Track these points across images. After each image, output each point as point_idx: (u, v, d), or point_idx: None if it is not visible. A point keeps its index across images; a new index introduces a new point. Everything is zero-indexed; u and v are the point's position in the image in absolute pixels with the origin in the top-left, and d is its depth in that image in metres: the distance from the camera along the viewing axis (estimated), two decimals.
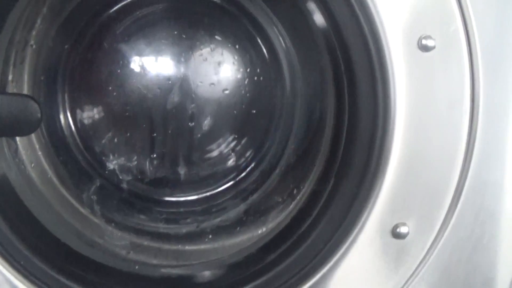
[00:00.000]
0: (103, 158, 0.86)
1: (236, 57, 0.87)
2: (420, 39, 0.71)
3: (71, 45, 0.85)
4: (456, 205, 0.77)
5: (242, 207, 0.83)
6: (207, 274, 0.79)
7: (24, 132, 0.76)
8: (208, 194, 0.86)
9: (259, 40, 0.86)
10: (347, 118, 0.74)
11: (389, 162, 0.73)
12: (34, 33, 0.82)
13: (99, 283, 0.79)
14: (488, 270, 0.82)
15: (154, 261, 0.82)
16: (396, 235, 0.75)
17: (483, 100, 0.74)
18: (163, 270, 0.81)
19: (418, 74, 0.70)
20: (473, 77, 0.75)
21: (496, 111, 0.74)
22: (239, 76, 0.86)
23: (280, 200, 0.81)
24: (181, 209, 0.86)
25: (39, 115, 0.70)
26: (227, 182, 0.86)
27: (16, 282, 0.77)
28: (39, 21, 0.82)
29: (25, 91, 0.83)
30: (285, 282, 0.75)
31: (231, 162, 0.86)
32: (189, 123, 0.84)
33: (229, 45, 0.85)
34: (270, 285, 0.76)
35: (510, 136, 0.76)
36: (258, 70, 0.86)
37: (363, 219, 0.73)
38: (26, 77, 0.83)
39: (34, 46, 0.83)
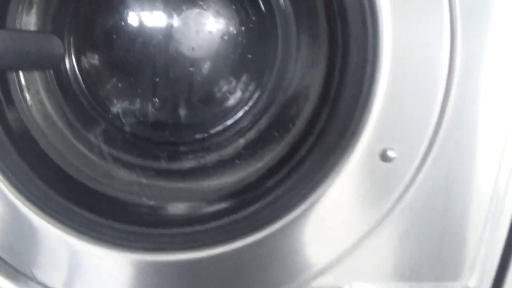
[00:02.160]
0: (107, 102, 0.94)
1: (234, 7, 0.96)
2: None
3: None
4: (436, 136, 0.87)
5: (240, 142, 0.91)
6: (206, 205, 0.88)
7: (50, 66, 0.88)
8: (207, 134, 0.94)
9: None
10: (340, 56, 0.84)
11: (377, 93, 0.83)
12: None
13: (107, 210, 0.87)
14: (468, 200, 0.92)
15: (158, 195, 0.89)
16: (384, 158, 0.85)
17: (461, 39, 0.85)
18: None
19: (403, 13, 0.82)
20: (452, 15, 0.86)
21: (474, 50, 0.85)
22: (236, 24, 0.95)
23: (277, 134, 0.90)
24: (181, 148, 0.94)
25: (62, 50, 0.85)
26: (225, 122, 0.94)
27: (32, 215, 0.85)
28: None
29: None
30: (285, 203, 0.84)
31: (229, 103, 0.94)
32: (189, 68, 0.92)
33: None
34: (271, 207, 0.85)
35: (484, 76, 0.88)
36: (254, 17, 0.96)
37: (354, 144, 0.80)
38: (33, 27, 0.91)
39: None
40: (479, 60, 0.82)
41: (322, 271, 0.87)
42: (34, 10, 0.86)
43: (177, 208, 0.85)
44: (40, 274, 0.85)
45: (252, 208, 0.81)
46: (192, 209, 0.84)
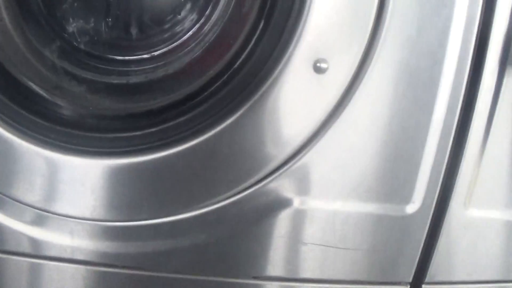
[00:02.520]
0: (64, 21, 0.99)
1: None
2: None
3: None
4: (374, 50, 0.87)
5: (185, 59, 0.95)
6: (154, 110, 0.92)
7: None
8: (156, 53, 0.98)
9: None
10: None
11: (313, 5, 0.85)
12: None
13: (57, 115, 0.92)
14: (407, 118, 0.94)
15: (107, 103, 0.94)
16: (317, 70, 0.87)
17: None
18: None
19: None
20: None
21: None
22: None
23: (219, 50, 0.92)
24: (132, 67, 0.98)
25: None
26: (174, 42, 0.98)
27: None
28: None
29: None
30: (219, 111, 0.86)
31: (178, 23, 0.98)
32: None
33: None
34: (205, 115, 0.88)
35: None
36: None
37: (287, 54, 0.82)
38: None
39: None
40: None
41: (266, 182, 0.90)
42: None
43: (121, 117, 0.89)
44: (14, 191, 0.91)
45: (190, 115, 0.86)
46: (136, 117, 0.89)
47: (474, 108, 0.92)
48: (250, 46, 0.85)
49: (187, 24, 0.93)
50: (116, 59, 0.94)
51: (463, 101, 0.91)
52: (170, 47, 0.93)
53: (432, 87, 0.89)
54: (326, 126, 0.86)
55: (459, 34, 0.88)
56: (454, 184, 0.94)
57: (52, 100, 0.88)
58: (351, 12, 0.83)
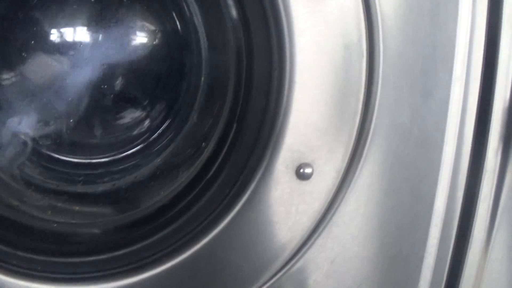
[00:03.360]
0: (22, 124, 0.91)
1: (147, 22, 0.91)
2: None
3: None
4: (362, 147, 0.81)
5: (155, 162, 0.86)
6: (122, 226, 0.84)
7: None
8: (123, 154, 0.90)
9: (172, 12, 0.91)
10: (245, 63, 0.79)
11: (290, 105, 0.77)
12: None
13: (18, 240, 0.84)
14: (404, 213, 0.86)
15: (73, 221, 0.86)
16: (300, 176, 0.75)
17: (383, 43, 0.80)
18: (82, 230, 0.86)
19: (313, 17, 0.73)
20: (370, 20, 0.79)
21: (397, 55, 0.78)
22: (149, 40, 0.91)
23: (190, 151, 0.85)
24: (99, 170, 0.90)
25: None
26: (142, 143, 0.88)
27: None
28: None
29: None
30: (194, 228, 0.79)
31: (144, 122, 0.89)
32: (102, 86, 0.88)
33: (140, 10, 0.90)
34: (180, 233, 0.80)
35: (411, 81, 0.81)
36: (168, 36, 0.91)
37: (266, 161, 0.72)
38: None
39: None
40: (402, 62, 0.77)
41: None
42: None
43: (88, 234, 0.81)
44: None
45: (164, 232, 0.78)
46: (103, 236, 0.81)
47: (478, 193, 0.84)
48: (224, 151, 0.77)
49: (155, 123, 0.85)
50: (82, 163, 0.87)
51: (466, 186, 0.83)
52: (138, 147, 0.86)
53: (431, 177, 0.81)
54: (314, 234, 0.78)
55: (457, 114, 0.80)
56: (460, 277, 0.86)
57: (16, 220, 0.80)
58: (334, 107, 0.74)
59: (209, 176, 0.77)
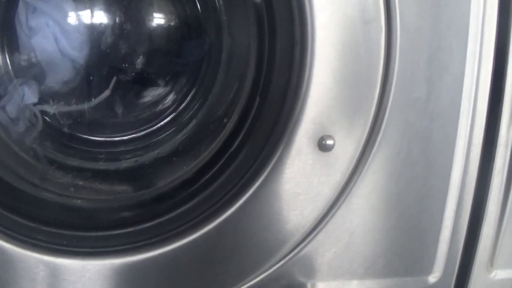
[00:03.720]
0: (43, 103, 0.93)
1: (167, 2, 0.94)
2: None
3: None
4: (381, 121, 0.82)
5: (177, 138, 0.88)
6: (147, 200, 0.86)
7: None
8: (145, 132, 0.91)
9: None
10: (267, 38, 0.78)
11: (311, 79, 0.79)
12: None
13: (42, 215, 0.86)
14: (420, 186, 0.89)
15: (96, 197, 0.88)
16: (322, 147, 0.76)
17: (400, 18, 0.82)
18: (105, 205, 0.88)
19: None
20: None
21: (414, 29, 0.78)
22: (170, 19, 0.92)
23: (212, 127, 0.87)
24: (121, 148, 0.92)
25: None
26: (163, 119, 0.90)
27: None
28: None
29: None
30: (218, 201, 0.77)
31: (166, 99, 0.91)
32: (123, 64, 0.90)
33: None
34: (204, 205, 0.81)
35: (428, 55, 0.84)
36: (187, 13, 0.93)
37: (288, 133, 0.74)
38: None
39: None
40: (418, 37, 0.80)
41: (275, 268, 0.84)
42: None
43: (114, 210, 0.83)
44: None
45: (187, 206, 0.79)
46: (128, 210, 0.82)
47: (492, 166, 0.86)
48: (247, 125, 0.78)
49: (176, 100, 0.87)
50: (103, 141, 0.88)
51: (480, 160, 0.86)
52: (160, 124, 0.87)
53: (447, 150, 0.83)
54: (335, 205, 0.80)
55: (471, 89, 0.82)
56: (476, 248, 0.88)
57: (39, 197, 0.82)
58: (354, 81, 0.76)
59: (232, 149, 0.78)
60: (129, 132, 0.89)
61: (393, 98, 0.79)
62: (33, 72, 0.85)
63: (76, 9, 0.86)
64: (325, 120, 0.76)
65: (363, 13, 0.75)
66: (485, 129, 0.84)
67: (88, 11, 0.86)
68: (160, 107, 0.89)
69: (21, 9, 0.83)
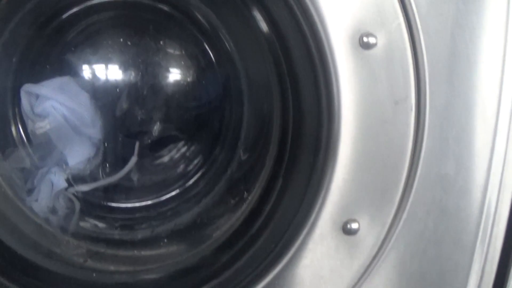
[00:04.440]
0: (75, 183, 0.90)
1: (183, 63, 0.90)
2: (361, 37, 0.74)
3: (19, 58, 0.87)
4: (407, 200, 0.80)
5: (195, 210, 0.85)
6: (163, 278, 0.85)
7: None
8: (161, 199, 0.88)
9: (206, 46, 0.90)
10: (292, 119, 0.75)
11: (336, 161, 0.76)
12: None
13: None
14: (444, 262, 0.87)
15: (111, 268, 0.85)
16: (347, 231, 0.73)
17: (430, 96, 0.80)
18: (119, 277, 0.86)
19: (361, 73, 0.70)
20: (418, 74, 0.78)
21: (443, 107, 0.77)
22: (186, 80, 0.90)
23: (232, 202, 0.84)
24: (136, 215, 0.89)
25: None
26: (179, 187, 0.88)
27: None
28: None
29: None
30: (239, 283, 0.81)
31: (182, 167, 0.89)
32: (139, 129, 0.89)
33: (177, 51, 0.89)
34: (227, 285, 0.81)
35: (456, 132, 0.83)
36: (205, 76, 0.90)
37: (313, 217, 0.72)
38: None
39: None
40: (448, 115, 0.78)
41: None
42: None
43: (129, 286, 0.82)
44: None
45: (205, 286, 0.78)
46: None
47: None
48: (269, 206, 0.77)
49: (194, 167, 0.85)
50: (119, 207, 0.87)
51: (504, 236, 0.85)
52: (176, 191, 0.86)
53: (473, 227, 0.82)
54: (357, 285, 0.80)
55: (499, 165, 0.81)
56: None
57: (52, 270, 0.80)
58: (381, 163, 0.75)
59: (253, 230, 0.77)
60: (145, 198, 0.87)
61: (420, 175, 0.77)
62: (46, 136, 0.83)
63: (91, 75, 0.84)
64: (350, 204, 0.74)
65: (393, 93, 0.73)
66: (511, 205, 0.83)
67: (102, 77, 0.84)
68: (175, 173, 0.87)
69: (24, 102, 0.82)
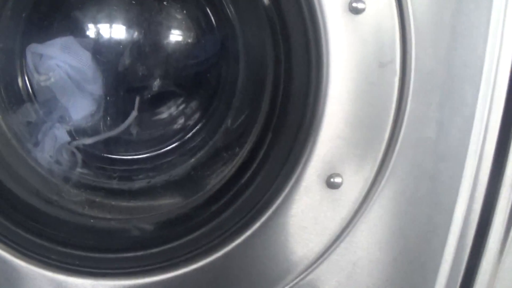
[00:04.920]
0: (76, 137, 0.93)
1: (184, 22, 0.94)
2: (351, 2, 0.74)
3: (28, 14, 0.92)
4: (389, 160, 0.84)
5: (190, 163, 0.91)
6: (156, 226, 0.90)
7: None
8: (158, 152, 0.92)
9: (207, 9, 0.96)
10: (283, 78, 0.79)
11: (323, 117, 0.81)
12: None
13: (57, 235, 0.89)
14: (424, 222, 0.92)
15: (108, 215, 0.91)
16: (331, 185, 0.79)
17: (415, 62, 0.83)
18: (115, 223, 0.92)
19: (350, 36, 0.75)
20: (405, 39, 0.81)
21: (428, 72, 0.80)
22: (186, 40, 0.95)
23: (225, 155, 0.90)
24: (134, 167, 0.94)
25: None
26: (177, 141, 0.92)
27: None
28: None
29: None
30: (227, 230, 0.80)
31: (180, 121, 0.93)
32: (140, 84, 0.94)
33: (178, 12, 0.94)
34: (213, 234, 0.83)
35: (440, 97, 0.84)
36: (205, 36, 0.95)
37: (298, 170, 0.77)
38: None
39: None
40: (432, 79, 0.81)
41: None
42: None
43: (126, 231, 0.87)
44: None
45: (197, 233, 0.84)
46: (139, 233, 0.87)
47: (495, 207, 0.90)
48: (258, 158, 0.82)
49: (191, 122, 0.90)
50: (118, 159, 0.92)
51: (484, 199, 0.89)
52: (172, 146, 0.91)
53: (452, 189, 0.87)
54: (339, 238, 0.84)
55: (480, 132, 0.85)
56: (474, 283, 0.93)
57: (52, 215, 0.86)
58: (365, 122, 0.79)
59: (243, 181, 0.82)
60: (143, 151, 0.92)
61: (402, 138, 0.82)
62: (48, 89, 0.89)
63: (94, 32, 0.89)
64: (334, 159, 0.80)
65: (379, 57, 0.78)
66: (490, 171, 0.87)
67: (105, 34, 0.89)
68: (173, 128, 0.92)
69: (29, 61, 0.87)
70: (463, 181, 0.86)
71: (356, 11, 0.76)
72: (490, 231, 0.89)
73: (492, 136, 0.85)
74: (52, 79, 0.88)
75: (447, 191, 0.86)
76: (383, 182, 0.83)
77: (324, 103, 0.77)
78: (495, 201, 0.89)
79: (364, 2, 0.75)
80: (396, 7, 0.77)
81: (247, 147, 0.81)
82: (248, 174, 0.81)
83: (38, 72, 0.90)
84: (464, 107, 0.83)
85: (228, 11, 0.90)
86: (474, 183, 0.87)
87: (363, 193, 0.82)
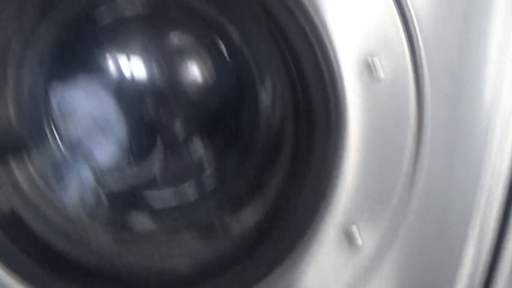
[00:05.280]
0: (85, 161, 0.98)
1: (210, 73, 0.97)
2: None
3: (48, 58, 0.93)
4: (405, 211, 0.86)
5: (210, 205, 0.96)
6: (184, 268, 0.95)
7: None
8: (181, 200, 0.98)
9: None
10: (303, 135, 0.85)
11: (342, 171, 0.82)
12: None
13: (86, 281, 0.91)
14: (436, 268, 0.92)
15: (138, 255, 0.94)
16: (348, 235, 0.84)
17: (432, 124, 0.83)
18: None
19: (369, 103, 0.79)
20: (422, 104, 0.82)
21: (444, 134, 0.84)
22: (209, 86, 0.97)
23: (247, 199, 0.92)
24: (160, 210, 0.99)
25: None
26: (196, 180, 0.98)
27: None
28: None
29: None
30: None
31: (201, 161, 0.98)
32: (163, 127, 0.94)
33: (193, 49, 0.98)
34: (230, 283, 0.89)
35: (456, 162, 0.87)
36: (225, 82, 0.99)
37: (316, 223, 0.83)
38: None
39: None
40: (452, 143, 0.84)
41: None
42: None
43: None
44: None
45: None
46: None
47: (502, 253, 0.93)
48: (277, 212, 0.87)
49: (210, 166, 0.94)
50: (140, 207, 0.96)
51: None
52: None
53: (461, 232, 0.90)
54: None
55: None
56: None
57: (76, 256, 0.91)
58: (382, 174, 0.83)
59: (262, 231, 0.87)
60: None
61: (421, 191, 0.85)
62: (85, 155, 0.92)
63: (116, 77, 0.91)
64: (352, 212, 0.84)
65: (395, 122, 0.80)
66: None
67: (126, 80, 0.91)
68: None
69: (52, 101, 0.89)
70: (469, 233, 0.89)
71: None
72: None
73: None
74: (76, 123, 0.91)
75: (456, 234, 0.90)
76: (400, 231, 0.86)
77: (342, 158, 0.81)
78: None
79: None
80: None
81: (269, 197, 0.85)
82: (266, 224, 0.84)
83: (61, 112, 0.92)
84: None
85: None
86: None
87: (381, 243, 0.86)
